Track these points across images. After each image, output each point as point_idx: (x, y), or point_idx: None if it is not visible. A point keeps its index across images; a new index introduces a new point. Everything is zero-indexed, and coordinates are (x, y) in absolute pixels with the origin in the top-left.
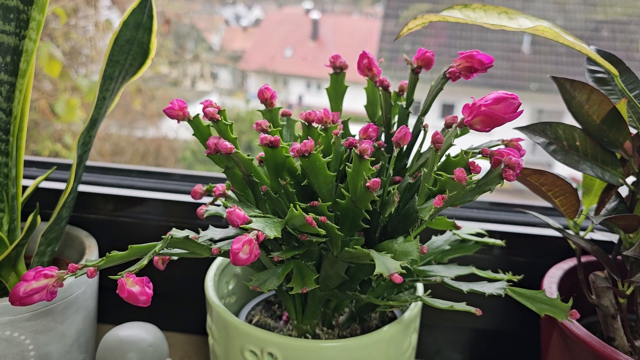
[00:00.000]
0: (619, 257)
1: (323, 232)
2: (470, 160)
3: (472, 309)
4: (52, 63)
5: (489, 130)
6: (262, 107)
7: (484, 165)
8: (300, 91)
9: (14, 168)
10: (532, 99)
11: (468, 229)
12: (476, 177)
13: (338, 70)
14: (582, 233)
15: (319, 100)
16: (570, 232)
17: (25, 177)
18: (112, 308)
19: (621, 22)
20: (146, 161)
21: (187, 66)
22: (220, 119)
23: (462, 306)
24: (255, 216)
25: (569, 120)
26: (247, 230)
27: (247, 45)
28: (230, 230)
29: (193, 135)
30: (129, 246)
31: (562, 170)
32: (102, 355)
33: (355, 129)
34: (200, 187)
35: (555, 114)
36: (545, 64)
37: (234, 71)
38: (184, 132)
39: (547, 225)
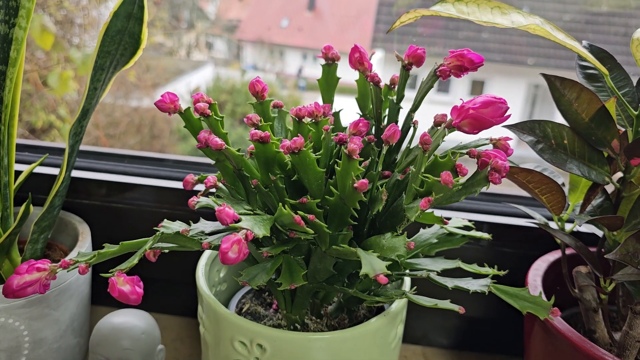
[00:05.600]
0: (603, 250)
1: (311, 231)
2: (457, 162)
3: (456, 307)
4: (44, 35)
5: (476, 133)
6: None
7: (469, 159)
8: (297, 62)
9: (6, 156)
10: (528, 73)
11: (455, 222)
12: (462, 179)
13: (330, 62)
14: (568, 226)
15: (317, 72)
16: (555, 226)
17: (17, 161)
18: (105, 290)
19: (618, 14)
20: (141, 133)
21: (182, 36)
22: (211, 114)
23: (446, 304)
24: (244, 214)
25: None
26: (236, 229)
27: (243, 15)
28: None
29: (184, 127)
30: (120, 243)
31: None
32: (96, 342)
33: (345, 103)
34: (192, 177)
35: None
36: (542, 38)
37: (229, 41)
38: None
39: (532, 220)
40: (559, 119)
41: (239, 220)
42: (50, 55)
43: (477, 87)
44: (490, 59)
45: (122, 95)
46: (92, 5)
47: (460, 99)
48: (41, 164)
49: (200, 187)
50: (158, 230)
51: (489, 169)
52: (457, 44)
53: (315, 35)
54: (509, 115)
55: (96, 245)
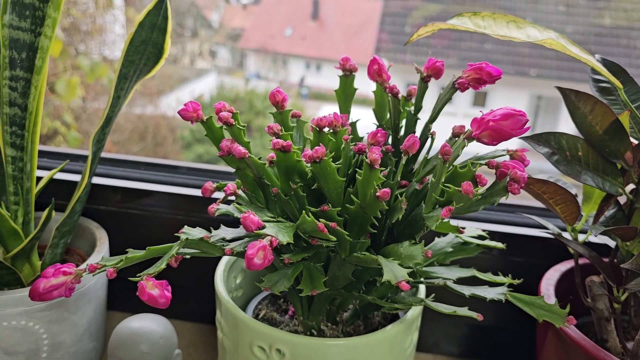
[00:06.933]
0: (616, 260)
1: (333, 238)
2: (477, 172)
3: (474, 314)
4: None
5: (496, 144)
6: (262, 87)
7: (486, 169)
8: (300, 71)
9: (29, 162)
10: (531, 84)
11: (470, 231)
12: (482, 189)
13: (348, 73)
14: (581, 236)
15: (319, 81)
16: (568, 236)
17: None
18: (120, 296)
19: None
20: (145, 140)
21: (186, 44)
22: (234, 123)
23: (464, 311)
24: (268, 221)
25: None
26: (260, 235)
27: (247, 24)
28: (242, 230)
29: (205, 135)
30: (147, 248)
31: None
32: (114, 346)
33: (361, 114)
34: (210, 185)
35: (554, 100)
36: (546, 49)
37: (232, 50)
38: None
39: (546, 230)
40: (562, 129)
41: (263, 227)
42: (56, 63)
43: (479, 97)
44: None
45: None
46: (99, 13)
47: (480, 111)
48: (59, 171)
49: (217, 195)
50: (178, 237)
51: (507, 179)
52: (460, 55)
53: (318, 45)
54: (528, 127)
55: (112, 251)
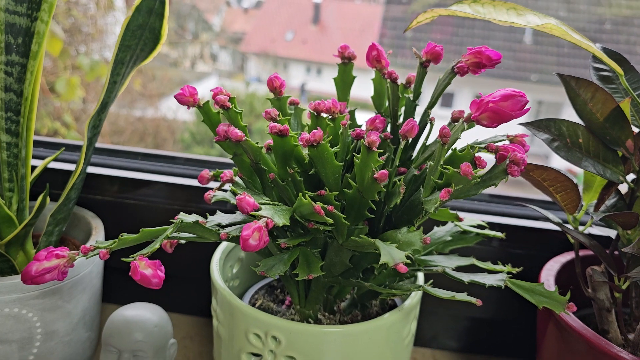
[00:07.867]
0: (616, 252)
1: (330, 221)
2: (476, 155)
3: (473, 300)
4: (53, 41)
5: (495, 126)
6: (262, 90)
7: (486, 157)
8: (300, 75)
9: (24, 149)
10: (532, 89)
11: (469, 220)
12: (481, 171)
13: (346, 61)
14: (580, 228)
15: (320, 86)
16: (569, 226)
17: (32, 156)
18: (116, 287)
19: (626, 19)
20: (145, 142)
21: (187, 47)
22: (231, 106)
23: (463, 296)
24: (264, 204)
25: (568, 113)
26: (255, 217)
27: (248, 27)
28: (238, 216)
29: (202, 121)
30: (141, 230)
31: (559, 162)
32: (109, 334)
33: (361, 116)
34: (207, 173)
35: (554, 106)
36: (546, 55)
37: (234, 53)
38: (182, 113)
39: (547, 219)
40: None
41: (258, 209)
42: (57, 63)
43: None
44: (494, 74)
45: (127, 103)
46: (100, 14)
47: (479, 93)
48: (55, 160)
49: (212, 185)
50: (174, 222)
51: (507, 161)
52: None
53: (319, 49)
54: (528, 109)
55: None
